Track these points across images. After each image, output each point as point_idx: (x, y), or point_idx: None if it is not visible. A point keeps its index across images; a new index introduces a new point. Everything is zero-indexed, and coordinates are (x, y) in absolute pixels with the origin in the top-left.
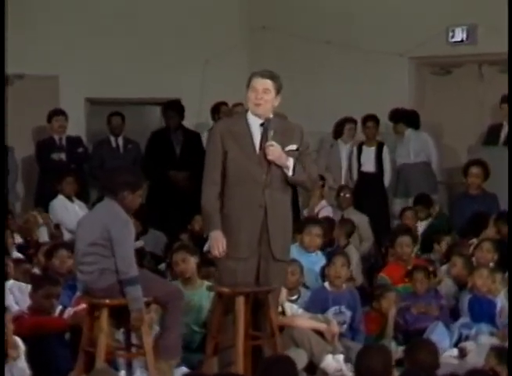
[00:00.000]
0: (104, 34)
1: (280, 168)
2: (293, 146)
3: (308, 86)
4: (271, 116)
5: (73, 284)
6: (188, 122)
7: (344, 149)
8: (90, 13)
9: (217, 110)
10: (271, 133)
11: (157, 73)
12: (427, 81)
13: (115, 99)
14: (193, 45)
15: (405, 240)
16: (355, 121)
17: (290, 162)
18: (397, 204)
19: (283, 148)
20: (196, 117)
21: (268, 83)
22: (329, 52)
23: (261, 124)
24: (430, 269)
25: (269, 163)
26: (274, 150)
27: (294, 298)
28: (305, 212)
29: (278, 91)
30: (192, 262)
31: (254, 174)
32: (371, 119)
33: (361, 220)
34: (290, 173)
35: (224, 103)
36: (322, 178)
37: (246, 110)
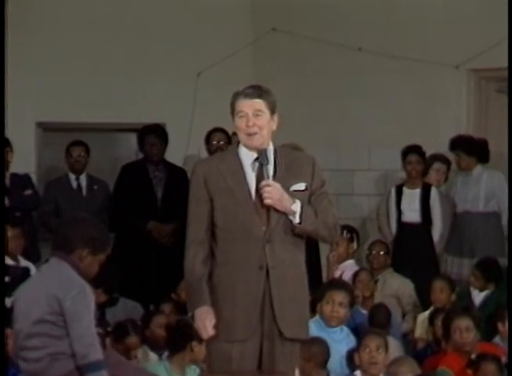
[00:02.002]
0: (64, 40)
1: (284, 214)
2: (302, 185)
3: (332, 107)
4: (270, 145)
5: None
6: (174, 155)
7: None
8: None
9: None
10: (268, 169)
11: (133, 90)
12: (490, 99)
13: (76, 124)
14: (182, 54)
15: (463, 323)
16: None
17: (296, 206)
18: (449, 264)
19: (287, 188)
20: (184, 149)
21: (258, 103)
22: (360, 61)
23: (256, 159)
24: (503, 359)
25: (268, 209)
26: (272, 191)
27: None
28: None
29: (273, 109)
30: None
31: (249, 226)
32: (414, 151)
33: (403, 287)
34: (296, 220)
35: (221, 130)
36: (350, 229)
37: (238, 143)
